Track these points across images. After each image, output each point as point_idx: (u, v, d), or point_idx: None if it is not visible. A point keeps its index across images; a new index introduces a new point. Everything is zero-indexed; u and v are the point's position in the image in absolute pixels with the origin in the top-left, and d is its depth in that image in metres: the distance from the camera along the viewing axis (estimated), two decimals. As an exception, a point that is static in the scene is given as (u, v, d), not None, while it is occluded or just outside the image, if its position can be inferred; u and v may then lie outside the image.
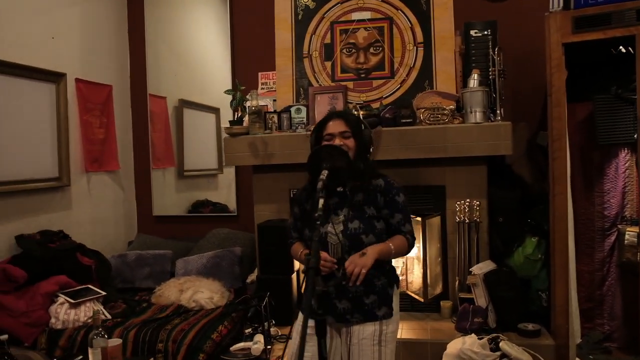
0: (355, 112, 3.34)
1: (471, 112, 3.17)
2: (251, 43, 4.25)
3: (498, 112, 3.17)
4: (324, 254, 1.96)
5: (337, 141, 2.06)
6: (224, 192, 4.50)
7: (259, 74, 4.15)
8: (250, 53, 4.26)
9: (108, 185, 4.27)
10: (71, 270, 3.33)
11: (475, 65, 3.31)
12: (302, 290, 1.59)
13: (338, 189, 2.06)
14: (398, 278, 2.23)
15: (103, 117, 4.17)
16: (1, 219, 3.29)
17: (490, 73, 3.22)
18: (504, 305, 3.11)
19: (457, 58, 3.44)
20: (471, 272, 3.21)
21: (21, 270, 3.06)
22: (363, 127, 2.19)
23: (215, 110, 4.46)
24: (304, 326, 1.44)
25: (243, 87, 3.52)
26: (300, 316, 1.97)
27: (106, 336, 2.23)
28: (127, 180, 4.52)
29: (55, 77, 3.65)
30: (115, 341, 2.35)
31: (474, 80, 3.20)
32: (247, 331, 3.16)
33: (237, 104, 3.49)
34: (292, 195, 3.54)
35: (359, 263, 1.91)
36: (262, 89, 4.14)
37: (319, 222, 1.72)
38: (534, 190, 3.46)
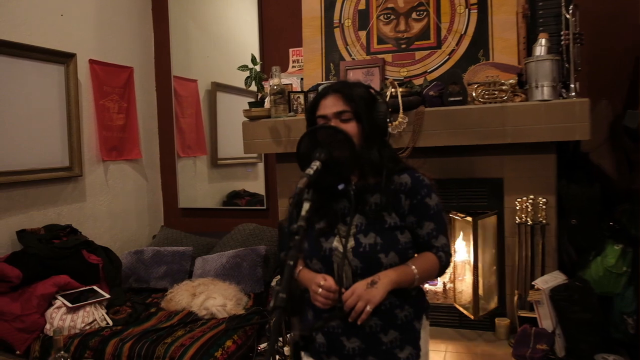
0: (393, 90, 2.80)
1: (537, 87, 2.59)
2: (281, 16, 3.76)
3: (572, 86, 2.58)
4: (328, 281, 1.47)
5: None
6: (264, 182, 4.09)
7: (290, 50, 3.67)
8: (280, 28, 3.78)
9: (129, 175, 3.95)
10: (76, 269, 3.01)
11: (543, 29, 2.71)
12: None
13: (340, 187, 1.51)
14: (429, 306, 1.66)
15: (123, 102, 3.85)
16: (4, 212, 3.02)
17: (562, 38, 2.63)
18: (577, 330, 2.48)
19: (519, 21, 2.82)
20: (534, 285, 2.60)
21: (16, 269, 2.77)
22: (380, 101, 1.61)
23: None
24: None
25: (260, 62, 3.05)
26: None
27: (67, 361, 1.85)
28: (151, 170, 4.19)
29: (63, 58, 3.33)
30: (85, 365, 1.97)
31: (541, 47, 2.61)
32: (260, 347, 2.72)
33: (252, 82, 3.03)
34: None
35: (364, 296, 1.41)
36: (294, 66, 3.67)
37: (298, 237, 1.21)
38: (619, 186, 2.82)
